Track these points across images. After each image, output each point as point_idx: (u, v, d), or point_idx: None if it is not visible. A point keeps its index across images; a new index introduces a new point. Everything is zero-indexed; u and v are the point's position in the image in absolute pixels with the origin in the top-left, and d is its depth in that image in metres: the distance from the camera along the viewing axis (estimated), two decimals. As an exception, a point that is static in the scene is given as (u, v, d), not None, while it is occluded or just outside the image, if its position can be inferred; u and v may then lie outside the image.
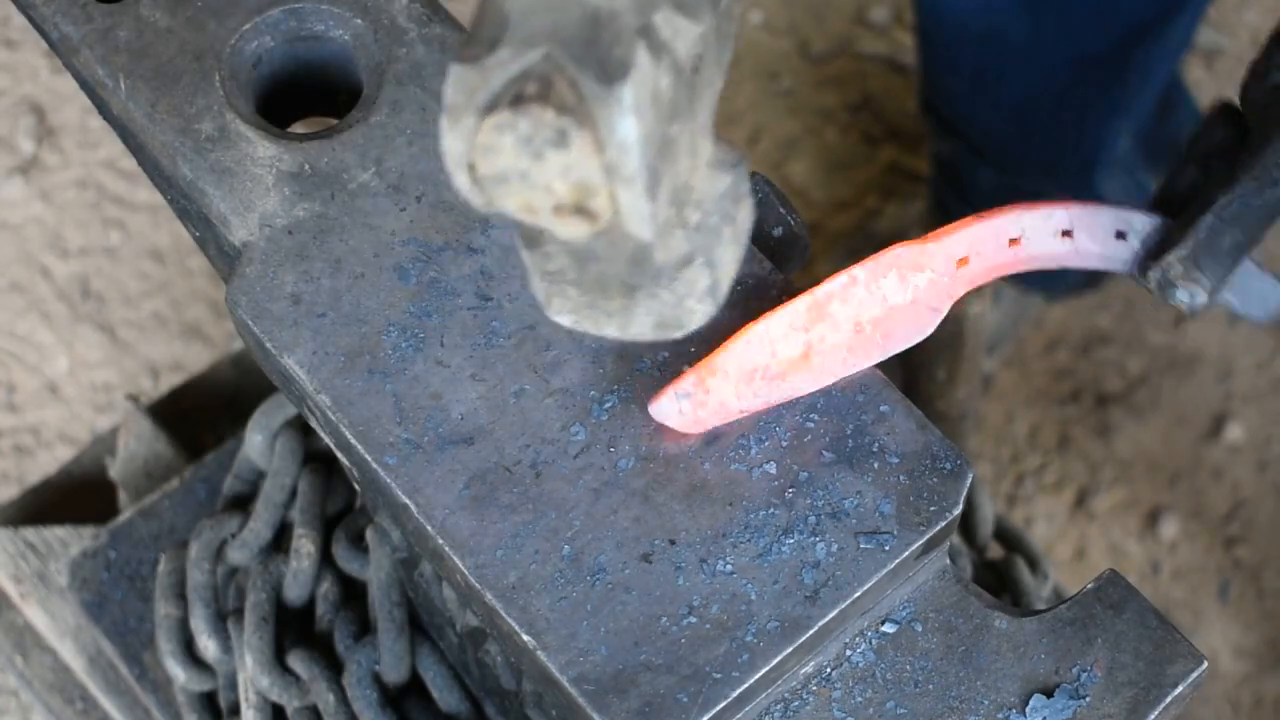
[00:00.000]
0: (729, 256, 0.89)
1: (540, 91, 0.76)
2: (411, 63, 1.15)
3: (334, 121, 1.16)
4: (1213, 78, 2.73)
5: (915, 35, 2.35)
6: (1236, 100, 1.12)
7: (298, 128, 1.18)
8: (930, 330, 1.09)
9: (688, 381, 1.03)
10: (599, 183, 0.78)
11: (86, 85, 1.17)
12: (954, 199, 2.43)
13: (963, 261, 1.08)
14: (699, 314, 0.89)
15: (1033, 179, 2.34)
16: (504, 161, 0.78)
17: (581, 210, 0.79)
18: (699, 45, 0.80)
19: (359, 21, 1.16)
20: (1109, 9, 2.08)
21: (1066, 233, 1.11)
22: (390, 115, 1.14)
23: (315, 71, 1.19)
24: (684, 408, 1.03)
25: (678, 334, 0.90)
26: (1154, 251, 1.10)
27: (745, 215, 0.89)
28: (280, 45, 1.17)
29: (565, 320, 0.89)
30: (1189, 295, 1.08)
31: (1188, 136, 1.14)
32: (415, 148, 1.13)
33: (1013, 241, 1.10)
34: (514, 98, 0.76)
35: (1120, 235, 1.11)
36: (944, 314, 1.09)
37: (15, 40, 2.76)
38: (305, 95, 1.20)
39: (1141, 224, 1.11)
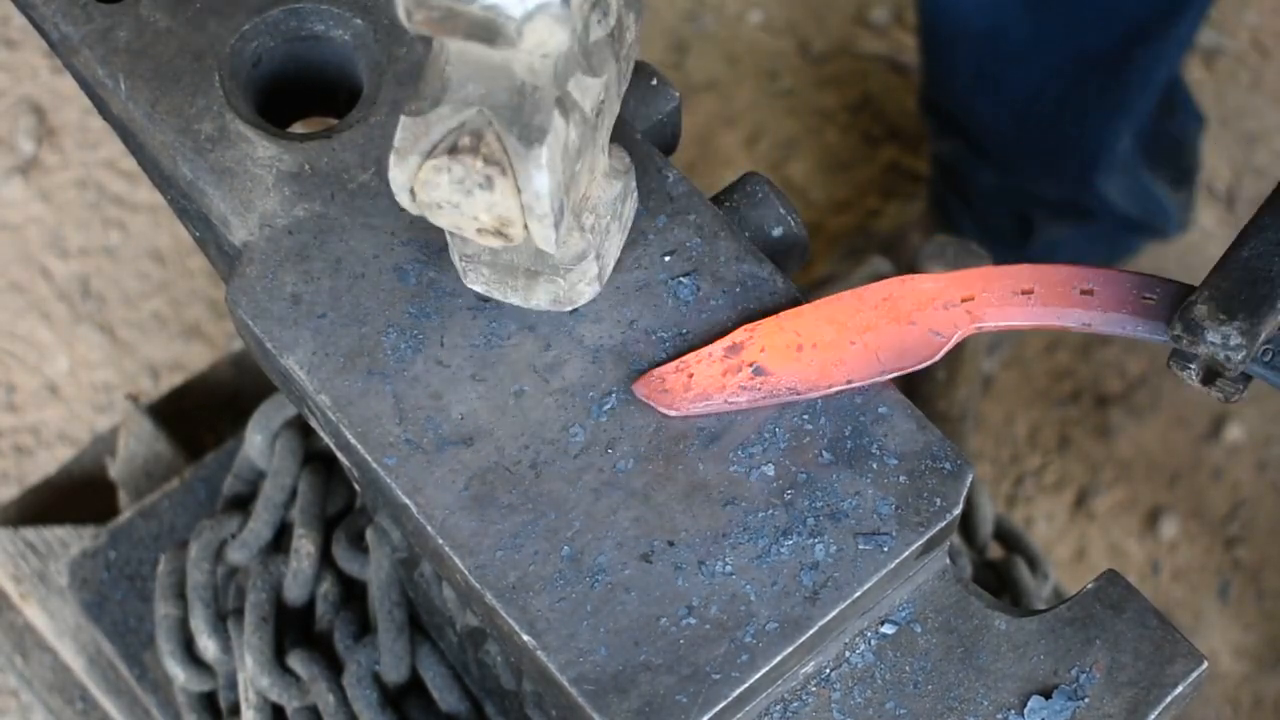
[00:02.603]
0: (615, 246, 1.08)
1: (472, 144, 0.95)
2: (411, 63, 1.15)
3: (334, 121, 1.16)
4: (1213, 78, 2.73)
5: (917, 34, 2.35)
6: None
7: (298, 128, 1.18)
8: (935, 358, 1.07)
9: (669, 365, 1.05)
10: (516, 217, 0.97)
11: (86, 85, 1.17)
12: (954, 199, 2.43)
13: (968, 298, 1.07)
14: (588, 294, 1.08)
15: (1033, 179, 2.35)
16: (439, 194, 0.97)
17: (500, 233, 0.98)
18: (603, 92, 1.00)
19: (359, 21, 1.16)
20: (1110, 9, 2.08)
21: (1086, 290, 1.06)
22: (390, 115, 1.14)
23: (315, 71, 1.19)
24: (666, 385, 1.04)
25: (569, 309, 1.08)
26: (1183, 306, 1.02)
27: (630, 209, 1.09)
28: (280, 45, 1.17)
29: (478, 289, 1.07)
30: (1221, 338, 1.00)
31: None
32: (415, 148, 1.13)
33: (1025, 290, 1.07)
34: (451, 146, 0.95)
35: (1146, 298, 1.05)
36: (950, 344, 1.07)
37: (15, 40, 2.76)
38: (305, 95, 1.20)
39: (1170, 289, 1.05)
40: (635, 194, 1.09)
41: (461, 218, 0.97)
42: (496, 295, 1.07)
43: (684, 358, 1.06)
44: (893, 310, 1.07)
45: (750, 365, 1.05)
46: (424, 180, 0.97)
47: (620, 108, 1.06)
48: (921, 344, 1.07)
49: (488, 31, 0.90)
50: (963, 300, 1.07)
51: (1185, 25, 2.14)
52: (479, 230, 0.98)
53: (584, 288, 1.07)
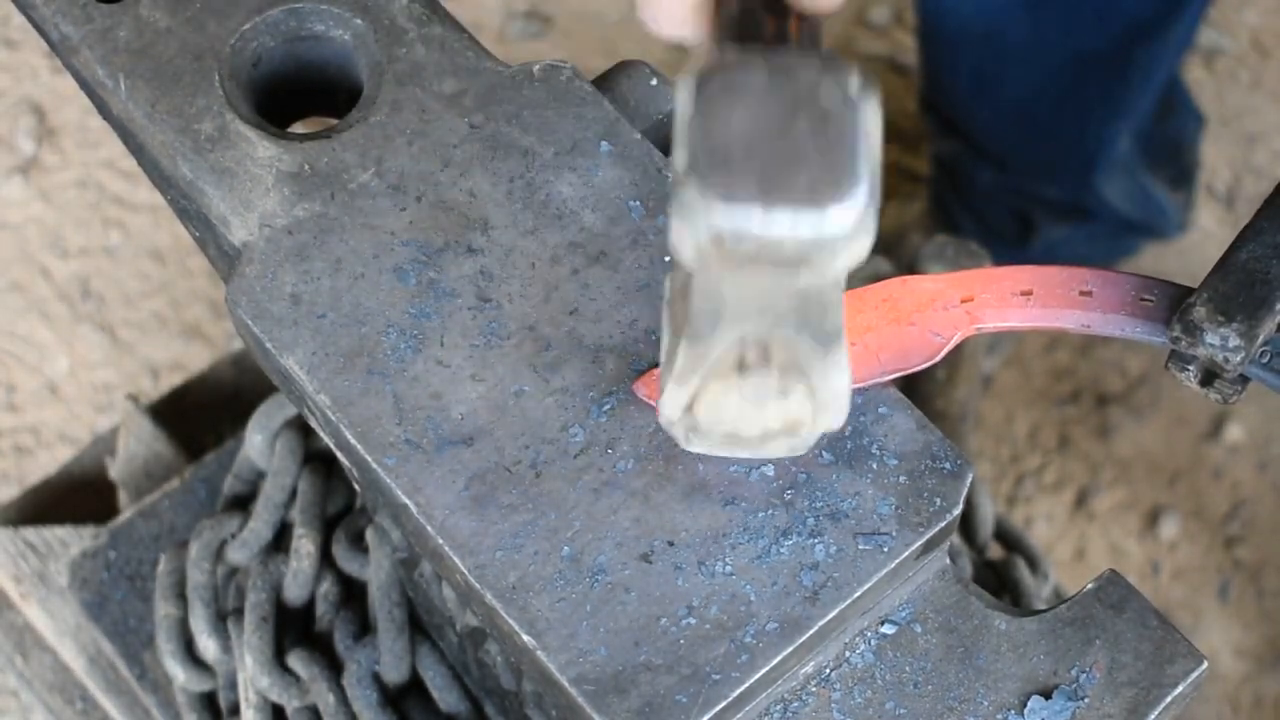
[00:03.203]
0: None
1: (760, 357, 0.89)
2: (411, 63, 1.15)
3: (334, 121, 1.16)
4: (1213, 78, 2.73)
5: (916, 35, 2.35)
6: None
7: (298, 128, 1.18)
8: (935, 359, 1.07)
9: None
10: (809, 418, 0.94)
11: (86, 85, 1.17)
12: (954, 199, 2.43)
13: (968, 299, 1.08)
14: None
15: (1032, 179, 2.35)
16: (725, 414, 0.93)
17: (788, 434, 0.96)
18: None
19: (359, 21, 1.16)
20: (1110, 9, 2.08)
21: (1085, 292, 1.06)
22: (390, 115, 1.14)
23: (315, 71, 1.19)
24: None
25: (804, 451, 1.02)
26: (1182, 308, 1.03)
27: None
28: (280, 45, 1.17)
29: (699, 450, 1.01)
30: (1220, 340, 1.00)
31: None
32: (415, 148, 1.13)
33: (1024, 293, 1.07)
34: (739, 363, 0.90)
35: (1145, 300, 1.05)
36: (949, 345, 1.07)
37: (15, 40, 2.76)
38: (305, 95, 1.20)
39: (1168, 290, 1.06)
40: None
41: (747, 428, 0.95)
42: (723, 454, 1.02)
43: None
44: (893, 311, 1.07)
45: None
46: (710, 403, 0.92)
47: None
48: (921, 345, 1.07)
49: (793, 264, 0.82)
50: (962, 301, 1.07)
51: (1184, 25, 2.14)
52: (761, 435, 0.95)
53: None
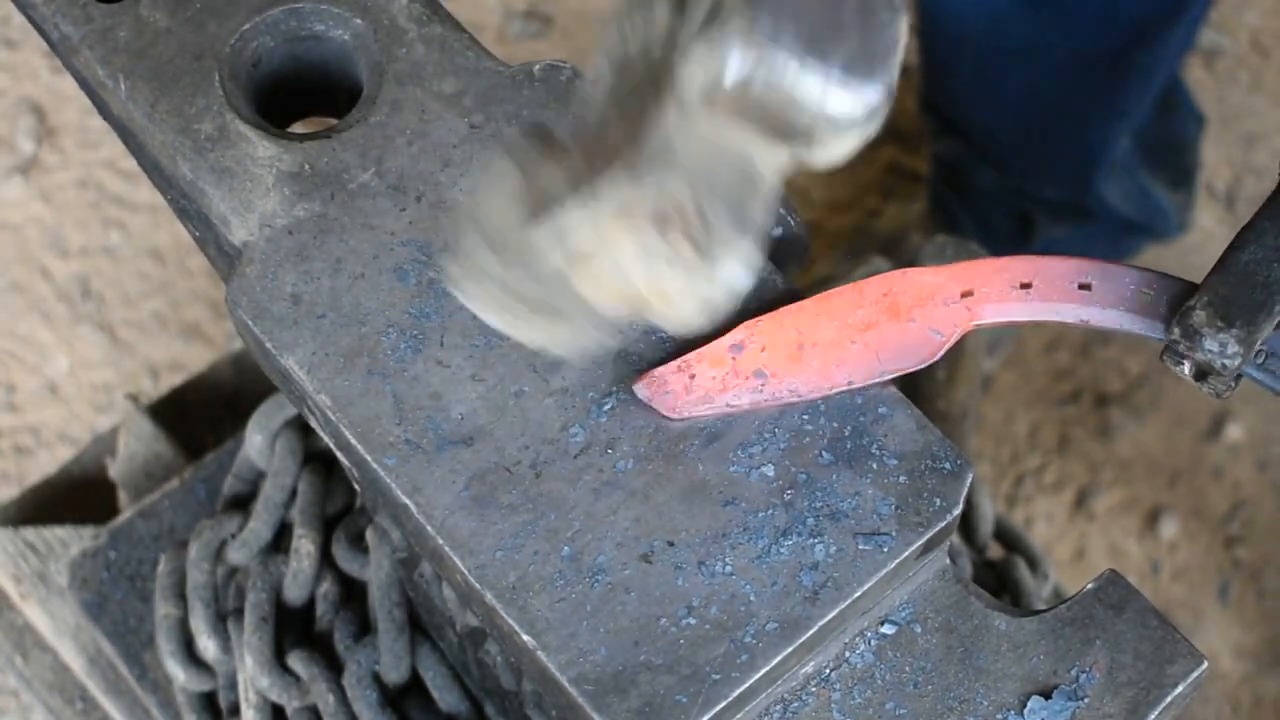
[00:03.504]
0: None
1: (679, 220, 0.86)
2: (411, 63, 1.15)
3: (334, 121, 1.16)
4: (1213, 78, 2.73)
5: (916, 34, 2.35)
6: None
7: (298, 128, 1.18)
8: (935, 357, 1.07)
9: (671, 365, 1.04)
10: (678, 300, 0.89)
11: (86, 85, 1.17)
12: (954, 199, 2.43)
13: (967, 293, 1.07)
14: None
15: (1033, 179, 2.34)
16: (615, 252, 0.88)
17: (637, 304, 0.90)
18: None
19: (359, 21, 1.16)
20: (1111, 10, 2.08)
21: (1085, 285, 1.06)
22: (390, 115, 1.14)
23: (315, 71, 1.19)
24: (669, 387, 1.04)
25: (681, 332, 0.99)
26: (1181, 310, 1.03)
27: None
28: (280, 45, 1.17)
29: (471, 299, 0.95)
30: (1219, 345, 1.00)
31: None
32: (415, 148, 1.13)
33: (1024, 285, 1.07)
34: (658, 215, 0.86)
35: (1144, 294, 1.05)
36: (949, 342, 1.06)
37: (15, 40, 2.76)
38: (305, 95, 1.20)
39: (1168, 285, 1.06)
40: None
41: (609, 277, 0.90)
42: (507, 331, 0.97)
43: (685, 358, 1.05)
44: (892, 306, 1.06)
45: (753, 370, 1.05)
46: (608, 231, 0.88)
47: None
48: (921, 343, 1.07)
49: (797, 133, 0.82)
50: (962, 295, 1.07)
51: (1185, 26, 2.14)
52: (621, 296, 0.90)
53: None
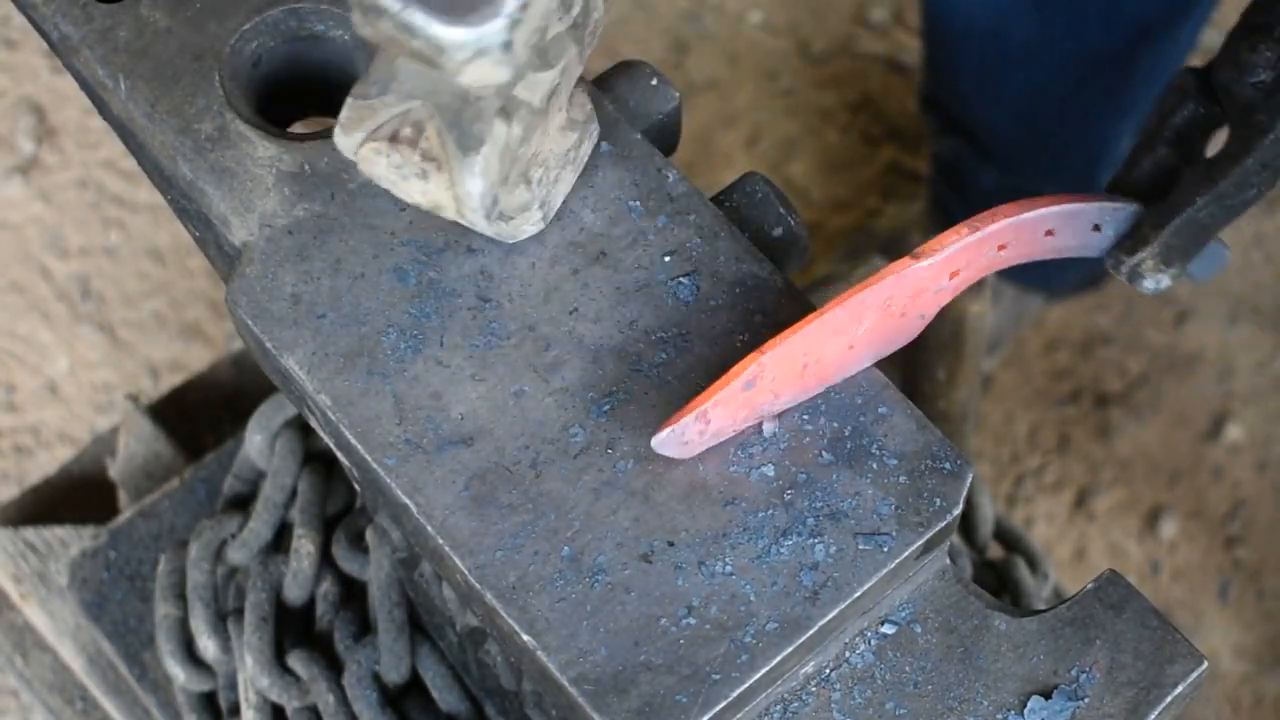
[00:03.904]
0: (564, 188, 1.09)
1: (413, 136, 1.00)
2: (411, 63, 1.15)
3: (334, 122, 1.16)
4: (1213, 78, 2.73)
5: (920, 29, 2.35)
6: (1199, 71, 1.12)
7: (298, 128, 1.18)
8: (915, 335, 1.09)
9: (689, 419, 1.02)
10: (449, 205, 1.03)
11: (86, 85, 1.17)
12: (954, 199, 2.43)
13: (955, 274, 1.08)
14: (530, 232, 1.09)
15: (1035, 179, 2.34)
16: (377, 172, 1.03)
17: (434, 210, 1.04)
18: (558, 77, 1.00)
19: (359, 22, 1.16)
20: (1115, 9, 2.08)
21: (1049, 231, 1.11)
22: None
23: (315, 71, 1.19)
24: (686, 438, 1.03)
25: (510, 241, 1.09)
26: (1126, 243, 1.12)
27: (586, 150, 1.09)
28: (280, 45, 1.17)
29: (375, 176, 1.06)
30: (1155, 283, 1.13)
31: (1156, 108, 1.15)
32: (415, 148, 1.13)
33: (1001, 247, 1.10)
34: (392, 134, 1.00)
35: (1097, 228, 1.13)
36: (930, 318, 1.09)
37: (15, 40, 2.76)
38: (305, 95, 1.20)
39: (1116, 215, 1.12)
40: (595, 131, 1.10)
41: (396, 190, 1.03)
42: (399, 193, 1.07)
43: (700, 404, 1.02)
44: (889, 307, 1.06)
45: (764, 401, 1.04)
46: (364, 158, 1.02)
47: (582, 69, 1.06)
48: (909, 329, 1.08)
49: (429, 61, 0.92)
50: (950, 277, 1.08)
51: (1189, 26, 2.14)
52: (414, 204, 1.04)
53: (528, 228, 1.08)
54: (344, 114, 1.01)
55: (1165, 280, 1.13)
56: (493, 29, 0.91)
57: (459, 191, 1.01)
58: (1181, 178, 1.11)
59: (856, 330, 1.05)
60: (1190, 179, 1.10)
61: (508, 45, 0.92)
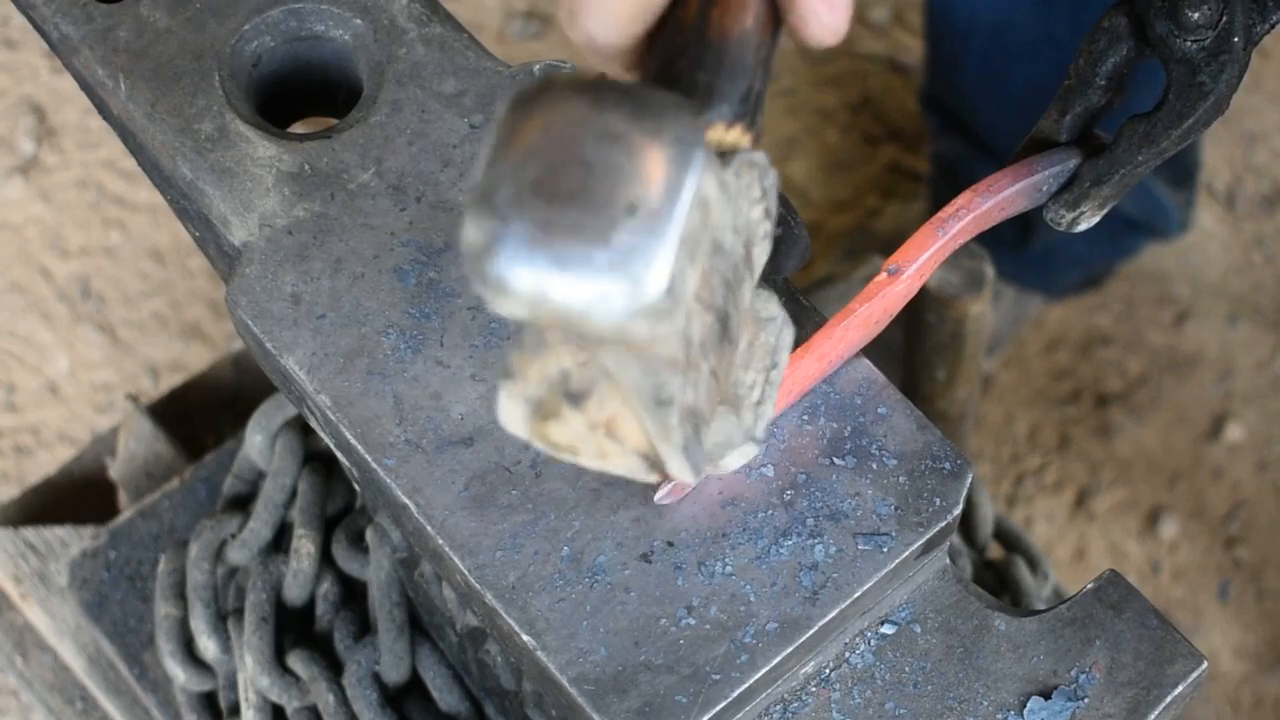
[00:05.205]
0: (770, 408, 0.95)
1: (595, 398, 0.83)
2: (411, 63, 1.15)
3: (334, 121, 1.16)
4: (1213, 78, 2.73)
5: (923, 29, 2.35)
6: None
7: (298, 128, 1.18)
8: (880, 332, 1.09)
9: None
10: (649, 458, 0.87)
11: (86, 85, 1.17)
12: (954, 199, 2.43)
13: (922, 275, 1.08)
14: (746, 460, 0.96)
15: (1034, 178, 2.34)
16: (569, 434, 0.85)
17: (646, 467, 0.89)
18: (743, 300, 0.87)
19: (359, 21, 1.16)
20: (1116, 7, 2.08)
21: (1004, 208, 1.12)
22: (390, 115, 1.14)
23: (315, 71, 1.19)
24: (684, 488, 1.03)
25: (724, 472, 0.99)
26: (1066, 196, 1.13)
27: (785, 351, 0.95)
28: (280, 45, 1.17)
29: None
30: (1088, 224, 1.14)
31: (1085, 50, 1.14)
32: (415, 148, 1.13)
33: (963, 233, 1.10)
34: (572, 394, 0.84)
35: (1043, 190, 1.13)
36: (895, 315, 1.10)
37: (15, 40, 2.76)
38: (305, 95, 1.20)
39: (1059, 178, 1.13)
40: (788, 327, 0.96)
41: (587, 456, 0.88)
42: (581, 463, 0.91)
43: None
44: (868, 321, 1.06)
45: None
46: (549, 426, 0.85)
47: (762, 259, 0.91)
48: (877, 331, 1.08)
49: (581, 333, 0.78)
50: (919, 278, 1.08)
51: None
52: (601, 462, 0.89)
53: (740, 459, 0.96)
54: (512, 364, 0.85)
55: (1096, 219, 1.13)
56: (653, 286, 0.74)
57: (676, 469, 0.86)
58: (1121, 134, 1.10)
59: (838, 349, 1.06)
60: (1129, 135, 1.10)
61: (671, 293, 0.76)
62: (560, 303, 0.75)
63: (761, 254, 0.90)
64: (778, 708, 1.04)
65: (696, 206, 0.75)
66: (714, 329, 0.85)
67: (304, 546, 1.48)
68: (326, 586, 1.49)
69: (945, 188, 2.44)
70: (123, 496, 1.79)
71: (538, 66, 1.16)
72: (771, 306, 0.95)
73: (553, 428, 0.85)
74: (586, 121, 0.75)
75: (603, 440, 0.85)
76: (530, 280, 0.74)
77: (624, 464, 0.87)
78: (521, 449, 1.04)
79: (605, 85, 0.76)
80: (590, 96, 0.75)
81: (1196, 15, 1.05)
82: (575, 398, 0.83)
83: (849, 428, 1.06)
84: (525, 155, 0.75)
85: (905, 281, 1.06)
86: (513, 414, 0.85)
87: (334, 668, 1.46)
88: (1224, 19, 1.05)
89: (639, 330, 0.76)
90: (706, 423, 0.88)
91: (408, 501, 1.03)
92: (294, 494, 1.52)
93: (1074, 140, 1.13)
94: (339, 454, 1.11)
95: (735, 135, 0.85)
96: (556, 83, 0.76)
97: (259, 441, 1.55)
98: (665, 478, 0.90)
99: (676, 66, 0.84)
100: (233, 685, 1.54)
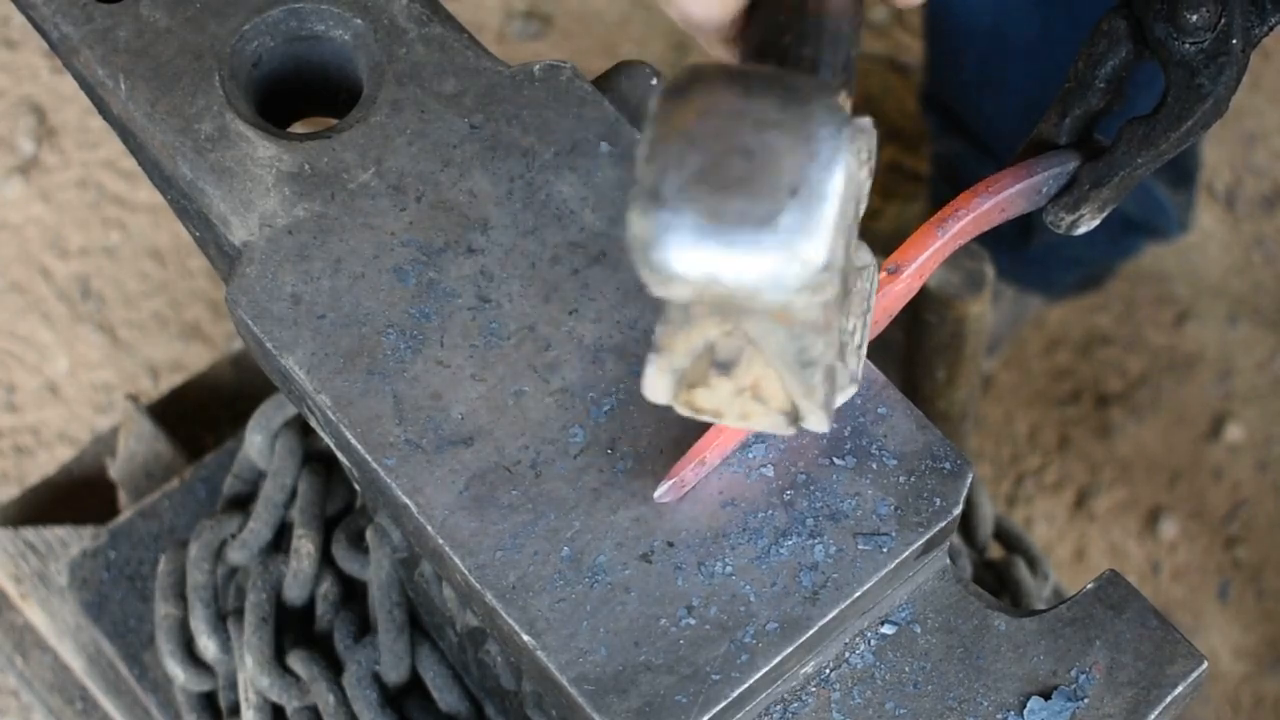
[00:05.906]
0: (865, 350, 1.01)
1: (744, 365, 0.87)
2: (411, 63, 1.15)
3: (334, 121, 1.16)
4: (1213, 78, 2.73)
5: (922, 29, 2.35)
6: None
7: (298, 128, 1.18)
8: (879, 330, 1.09)
9: (689, 467, 1.03)
10: (789, 411, 0.91)
11: (86, 85, 1.17)
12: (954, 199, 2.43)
13: (922, 275, 1.08)
14: (846, 398, 1.02)
15: (1034, 178, 2.34)
16: (715, 399, 0.90)
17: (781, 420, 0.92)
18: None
19: (359, 21, 1.16)
20: (1116, 9, 2.08)
21: (1004, 208, 1.11)
22: (390, 115, 1.14)
23: (315, 71, 1.19)
24: (685, 483, 1.03)
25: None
26: (1065, 199, 1.12)
27: (875, 294, 1.01)
28: (280, 45, 1.17)
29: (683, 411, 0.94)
30: (1088, 226, 1.13)
31: (1085, 53, 1.14)
32: (415, 148, 1.13)
33: (962, 233, 1.10)
34: (721, 363, 0.88)
35: (1042, 193, 1.12)
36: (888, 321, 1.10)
37: (15, 40, 2.76)
38: (305, 95, 1.20)
39: (1059, 181, 1.12)
40: (875, 268, 1.01)
41: (727, 414, 0.92)
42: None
43: (703, 456, 1.03)
44: (877, 321, 1.06)
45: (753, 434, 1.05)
46: (703, 389, 0.90)
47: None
48: (875, 329, 1.08)
49: (741, 309, 0.83)
50: (919, 278, 1.08)
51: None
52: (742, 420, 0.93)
53: (843, 398, 1.02)
54: (660, 333, 0.89)
55: (1096, 222, 1.13)
56: (815, 256, 0.79)
57: (811, 421, 0.90)
58: (1120, 136, 1.10)
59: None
60: (1128, 138, 1.10)
61: (829, 266, 0.80)
62: (731, 284, 0.79)
63: (862, 209, 0.95)
64: (778, 708, 1.04)
65: (847, 181, 0.80)
66: (841, 288, 0.90)
67: (304, 546, 1.48)
68: (326, 586, 1.49)
69: (945, 188, 2.44)
70: (123, 496, 1.79)
71: (538, 66, 1.16)
72: (864, 254, 1.00)
73: (700, 395, 0.89)
74: (741, 110, 0.79)
75: (748, 403, 0.90)
76: (701, 265, 0.78)
77: (767, 422, 0.91)
78: (521, 449, 1.04)
79: (751, 73, 0.81)
80: (740, 86, 0.80)
81: (1195, 18, 1.05)
82: (724, 365, 0.88)
83: (849, 427, 1.06)
84: (685, 146, 0.79)
85: (905, 281, 1.06)
86: (659, 385, 0.89)
87: (334, 668, 1.46)
88: (1222, 21, 1.05)
89: (801, 302, 0.81)
90: (836, 375, 0.93)
91: (408, 501, 1.03)
92: (294, 494, 1.52)
93: (1074, 143, 1.13)
94: (339, 454, 1.11)
95: (842, 102, 0.88)
96: (705, 73, 0.81)
97: (259, 441, 1.55)
98: (800, 430, 0.94)
99: (781, 41, 0.88)
100: (233, 685, 1.54)
